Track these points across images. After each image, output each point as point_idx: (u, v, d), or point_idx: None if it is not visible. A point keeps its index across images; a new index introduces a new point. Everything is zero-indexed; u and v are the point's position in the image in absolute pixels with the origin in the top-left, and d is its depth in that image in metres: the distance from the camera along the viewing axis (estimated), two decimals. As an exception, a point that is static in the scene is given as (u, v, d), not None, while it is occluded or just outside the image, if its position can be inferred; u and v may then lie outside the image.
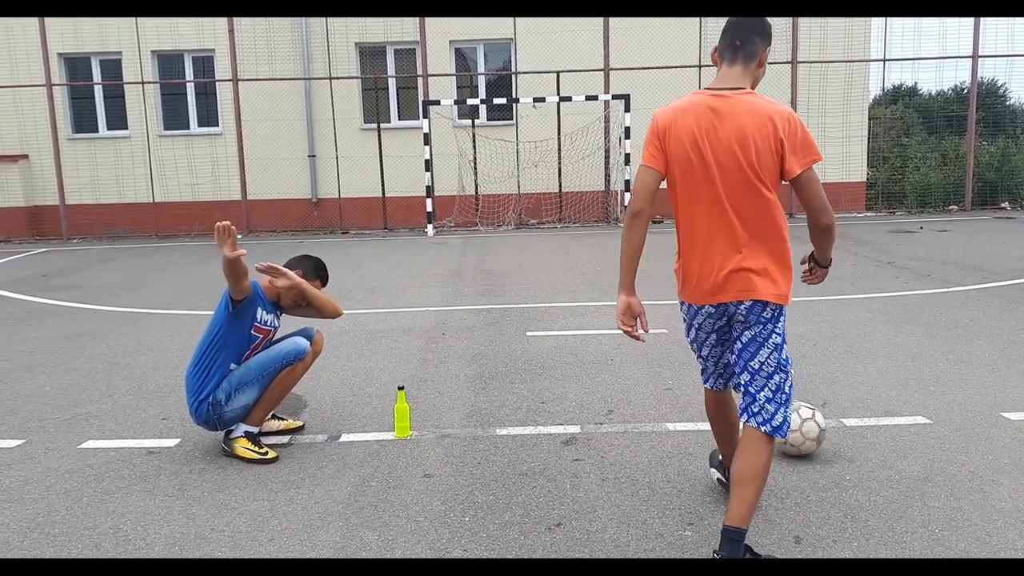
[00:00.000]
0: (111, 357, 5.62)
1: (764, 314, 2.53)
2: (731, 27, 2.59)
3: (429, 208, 13.86)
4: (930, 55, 15.01)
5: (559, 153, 14.76)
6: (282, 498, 3.21)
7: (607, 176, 14.93)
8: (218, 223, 3.34)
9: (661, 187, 2.61)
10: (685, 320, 2.77)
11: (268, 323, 3.73)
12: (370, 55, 15.12)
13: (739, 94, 2.50)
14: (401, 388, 3.87)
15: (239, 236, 3.24)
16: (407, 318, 6.65)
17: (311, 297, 3.76)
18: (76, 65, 15.15)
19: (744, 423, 2.61)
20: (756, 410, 2.56)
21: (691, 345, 2.82)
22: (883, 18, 14.54)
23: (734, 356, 2.64)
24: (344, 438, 3.88)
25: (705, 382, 2.89)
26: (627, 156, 13.49)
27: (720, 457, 3.10)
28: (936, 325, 5.83)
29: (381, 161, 14.74)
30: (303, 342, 3.72)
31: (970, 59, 14.60)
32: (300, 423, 4.04)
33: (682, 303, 2.73)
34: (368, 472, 3.45)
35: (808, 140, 2.45)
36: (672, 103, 2.60)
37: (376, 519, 3.00)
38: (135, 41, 14.51)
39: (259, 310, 3.67)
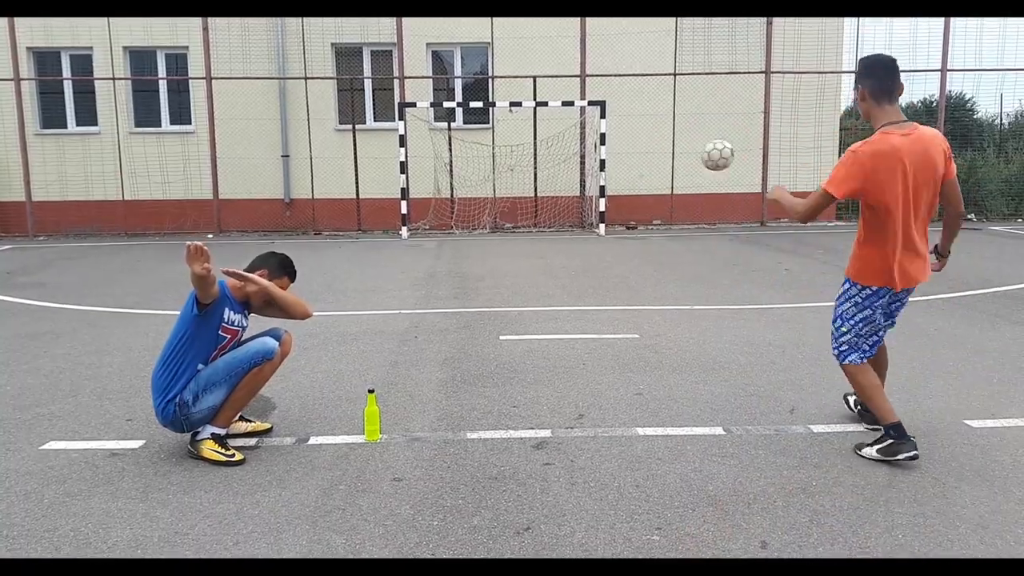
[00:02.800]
0: (75, 357, 5.52)
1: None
2: (887, 71, 3.54)
3: (404, 210, 13.81)
4: (900, 68, 15.23)
5: (535, 158, 14.78)
6: (248, 501, 3.17)
7: (582, 182, 14.98)
8: (191, 243, 3.27)
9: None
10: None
11: (236, 323, 3.69)
12: (346, 56, 15.04)
13: (915, 126, 3.49)
14: (371, 391, 3.84)
15: (209, 236, 3.18)
16: (379, 320, 6.61)
17: (278, 298, 3.72)
18: (45, 59, 14.89)
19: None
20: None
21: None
22: (855, 29, 14.78)
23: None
24: (312, 441, 3.84)
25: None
26: (602, 162, 13.55)
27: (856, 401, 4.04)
28: (902, 334, 5.91)
29: (356, 162, 14.67)
30: (271, 342, 3.68)
31: (939, 72, 14.89)
32: (268, 425, 4.00)
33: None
34: (336, 475, 3.42)
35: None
36: (877, 141, 3.46)
37: (344, 523, 2.98)
38: (106, 36, 14.29)
39: (226, 311, 3.63)
